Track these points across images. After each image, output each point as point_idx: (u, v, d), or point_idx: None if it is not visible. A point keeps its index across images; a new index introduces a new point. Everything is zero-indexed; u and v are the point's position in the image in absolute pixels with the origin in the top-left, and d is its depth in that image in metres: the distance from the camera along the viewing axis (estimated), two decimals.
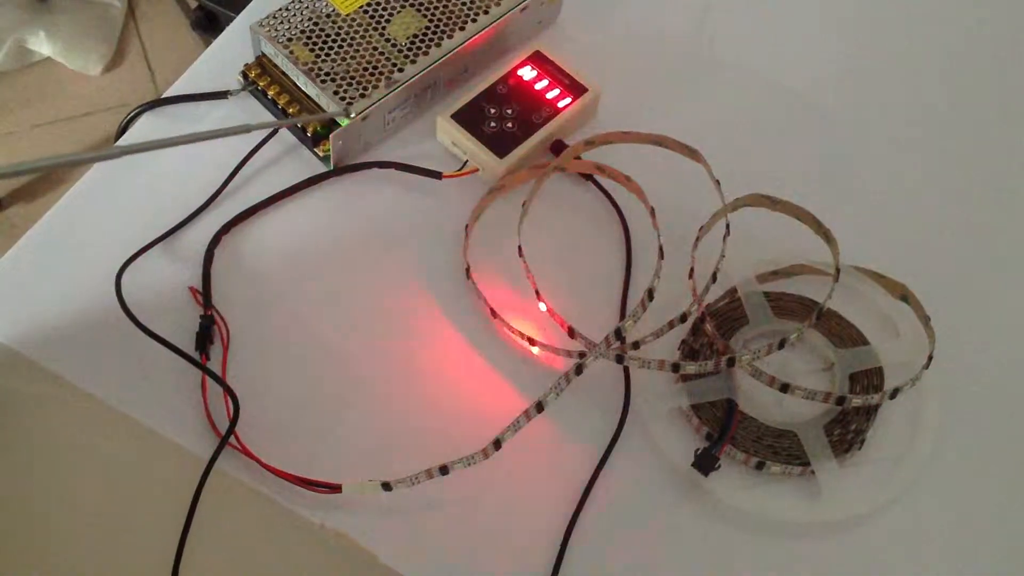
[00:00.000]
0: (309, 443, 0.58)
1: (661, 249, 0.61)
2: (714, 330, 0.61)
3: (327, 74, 0.65)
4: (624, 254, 0.66)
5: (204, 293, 0.62)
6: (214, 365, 0.59)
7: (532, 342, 0.60)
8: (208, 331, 0.60)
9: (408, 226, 0.66)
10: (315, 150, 0.67)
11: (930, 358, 0.60)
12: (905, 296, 0.63)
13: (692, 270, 0.61)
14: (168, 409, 0.58)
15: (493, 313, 0.62)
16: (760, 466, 0.58)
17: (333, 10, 0.68)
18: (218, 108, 0.70)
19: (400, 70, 0.66)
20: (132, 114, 0.70)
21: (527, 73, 0.69)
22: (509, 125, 0.67)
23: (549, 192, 0.68)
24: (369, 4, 0.68)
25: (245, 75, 0.69)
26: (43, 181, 1.47)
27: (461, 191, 0.67)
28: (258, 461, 0.56)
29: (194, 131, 0.59)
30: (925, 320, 0.62)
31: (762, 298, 0.63)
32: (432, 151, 0.69)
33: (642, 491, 0.58)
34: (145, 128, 0.69)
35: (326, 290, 0.64)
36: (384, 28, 0.68)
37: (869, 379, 0.60)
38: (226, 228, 0.64)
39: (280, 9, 0.68)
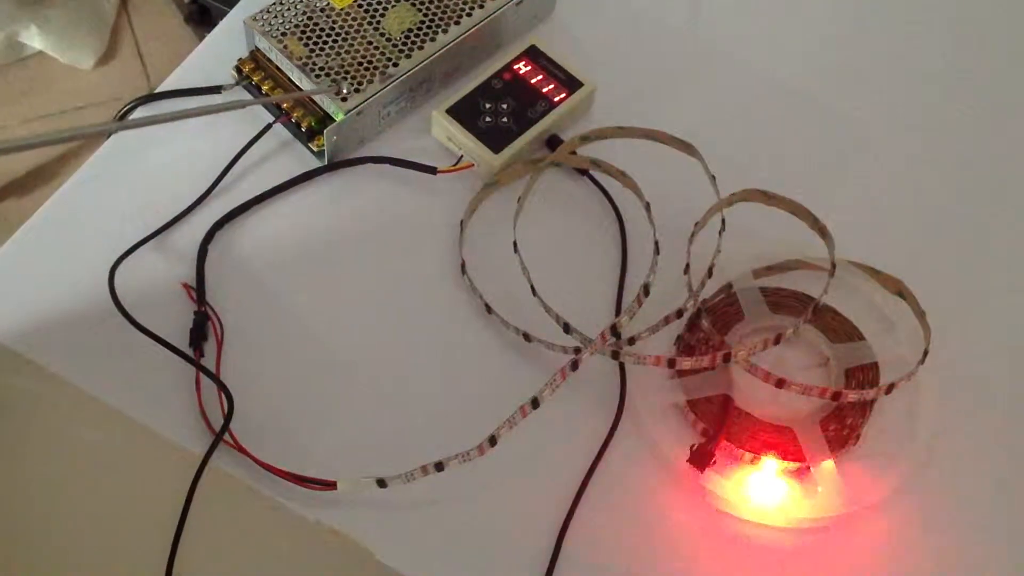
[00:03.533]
0: (304, 440, 0.58)
1: (657, 244, 0.61)
2: (710, 325, 0.61)
3: (321, 69, 0.65)
4: (620, 249, 0.66)
5: (198, 289, 0.61)
6: (208, 362, 0.59)
7: (527, 338, 0.60)
8: (202, 327, 0.60)
9: (403, 222, 0.66)
10: (309, 145, 0.67)
11: (925, 353, 0.60)
12: (901, 291, 0.63)
13: (688, 265, 0.61)
14: (162, 406, 0.58)
15: (488, 309, 0.62)
16: (756, 462, 0.58)
17: (327, 4, 0.68)
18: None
19: (395, 65, 0.66)
20: (125, 109, 0.69)
21: (522, 68, 0.69)
22: (504, 120, 0.67)
23: (544, 187, 0.68)
24: None
25: (239, 70, 0.69)
26: (36, 175, 1.46)
27: (456, 186, 0.67)
28: (252, 458, 0.56)
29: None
30: (921, 315, 0.62)
31: (758, 293, 0.63)
32: (427, 146, 0.69)
33: (638, 487, 0.58)
34: None
35: (320, 286, 0.63)
36: (378, 22, 0.67)
37: (865, 374, 0.60)
38: (220, 224, 0.64)
39: (274, 3, 0.67)
